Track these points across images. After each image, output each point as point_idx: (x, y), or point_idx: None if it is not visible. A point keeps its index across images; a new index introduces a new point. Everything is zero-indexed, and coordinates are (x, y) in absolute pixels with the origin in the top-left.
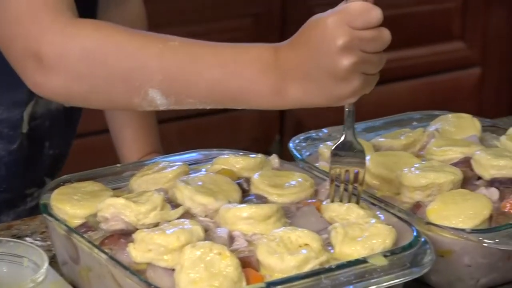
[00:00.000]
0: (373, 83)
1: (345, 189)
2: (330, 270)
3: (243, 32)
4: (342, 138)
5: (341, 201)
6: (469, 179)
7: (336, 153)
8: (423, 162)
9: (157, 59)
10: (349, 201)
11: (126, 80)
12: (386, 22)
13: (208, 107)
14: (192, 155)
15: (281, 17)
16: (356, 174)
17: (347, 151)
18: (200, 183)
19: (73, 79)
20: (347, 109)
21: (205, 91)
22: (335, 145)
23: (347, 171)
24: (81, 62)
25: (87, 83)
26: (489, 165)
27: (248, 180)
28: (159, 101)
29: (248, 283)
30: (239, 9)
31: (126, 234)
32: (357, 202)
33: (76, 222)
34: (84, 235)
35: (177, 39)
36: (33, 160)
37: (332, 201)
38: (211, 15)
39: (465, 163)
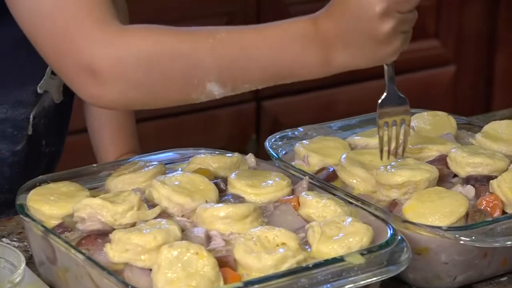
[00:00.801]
0: (409, 39)
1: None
2: (307, 269)
3: None
4: (385, 92)
5: (388, 152)
6: (445, 177)
7: (382, 106)
8: (399, 160)
9: (210, 54)
10: (396, 150)
11: (183, 79)
12: None
13: (260, 87)
14: (169, 155)
15: (256, 16)
16: (403, 122)
17: (392, 102)
18: (177, 182)
19: (131, 88)
20: (386, 66)
21: (258, 75)
22: (381, 99)
23: (394, 121)
24: (137, 70)
25: (146, 90)
26: (465, 162)
27: (225, 180)
28: (217, 92)
29: (225, 282)
30: (214, 8)
31: (103, 234)
32: (404, 148)
33: (52, 222)
34: (61, 235)
35: (222, 30)
36: (33, 159)
37: (381, 152)
38: (184, 14)
39: (441, 161)
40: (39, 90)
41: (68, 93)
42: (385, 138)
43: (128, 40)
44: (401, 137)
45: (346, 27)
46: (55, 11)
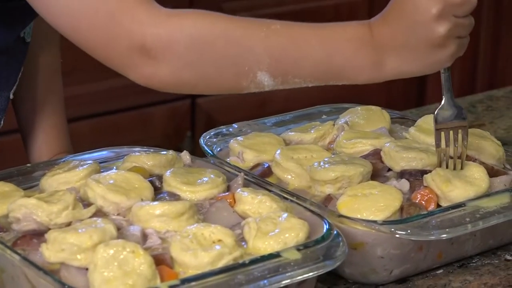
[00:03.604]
0: (466, 45)
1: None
2: (244, 265)
3: None
4: (443, 101)
5: (447, 165)
6: (379, 171)
7: (438, 117)
8: (333, 156)
9: (263, 43)
10: (455, 162)
11: (235, 65)
12: (291, 17)
13: (311, 85)
14: (103, 153)
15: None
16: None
17: (448, 113)
18: (111, 181)
19: (183, 67)
20: (444, 74)
21: (309, 71)
22: (437, 109)
23: (451, 132)
24: (190, 50)
25: (197, 71)
26: (399, 157)
27: (160, 178)
28: (267, 82)
29: (162, 280)
30: None
31: (38, 234)
32: (462, 162)
33: None
34: None
35: (277, 22)
36: None
37: (440, 166)
38: None
39: (375, 155)
40: (11, 96)
41: None
42: (443, 151)
43: (180, 21)
44: (459, 149)
45: (401, 31)
46: (97, 0)
